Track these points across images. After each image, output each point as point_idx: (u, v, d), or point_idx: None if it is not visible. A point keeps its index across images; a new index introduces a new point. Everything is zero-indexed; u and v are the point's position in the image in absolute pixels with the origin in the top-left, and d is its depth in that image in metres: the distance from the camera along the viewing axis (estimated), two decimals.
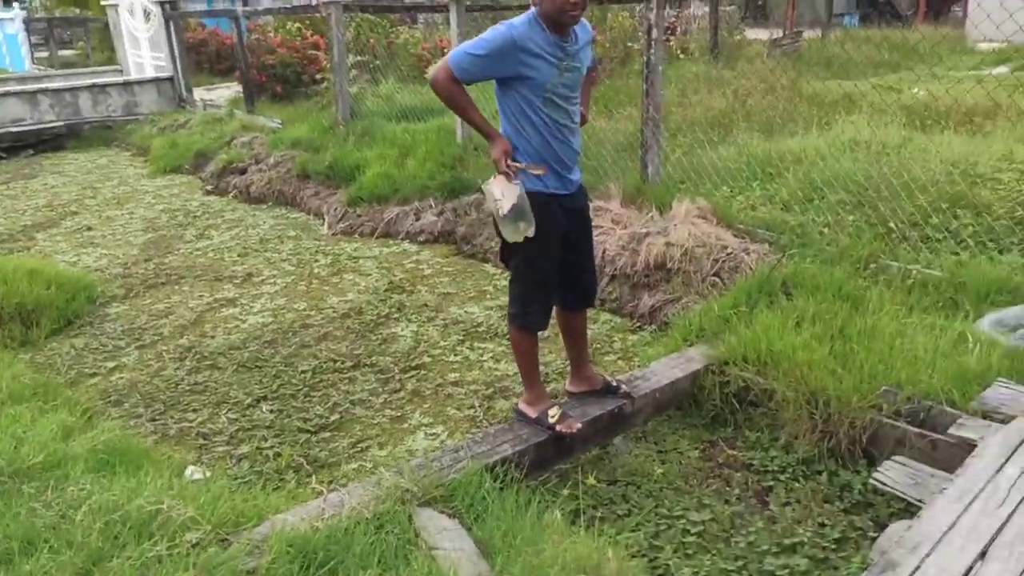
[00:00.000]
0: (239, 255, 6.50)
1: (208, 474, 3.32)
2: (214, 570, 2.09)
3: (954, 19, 20.69)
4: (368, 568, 2.18)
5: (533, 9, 2.83)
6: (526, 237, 2.89)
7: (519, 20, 2.81)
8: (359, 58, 11.04)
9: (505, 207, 2.79)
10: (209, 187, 8.89)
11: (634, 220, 5.35)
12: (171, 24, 12.69)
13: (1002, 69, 10.42)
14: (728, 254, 4.72)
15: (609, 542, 2.34)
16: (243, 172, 8.75)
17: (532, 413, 3.19)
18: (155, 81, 12.98)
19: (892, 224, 4.59)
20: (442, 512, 2.56)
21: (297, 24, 13.13)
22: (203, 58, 17.09)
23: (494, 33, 2.76)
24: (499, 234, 3.03)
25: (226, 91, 14.22)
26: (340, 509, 2.46)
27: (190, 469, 3.40)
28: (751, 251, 4.69)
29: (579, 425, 3.15)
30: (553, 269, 3.09)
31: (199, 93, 13.55)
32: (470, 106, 2.90)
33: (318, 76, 11.47)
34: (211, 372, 4.41)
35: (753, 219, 5.10)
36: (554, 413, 3.15)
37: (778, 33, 15.51)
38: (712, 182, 5.69)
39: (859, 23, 21.82)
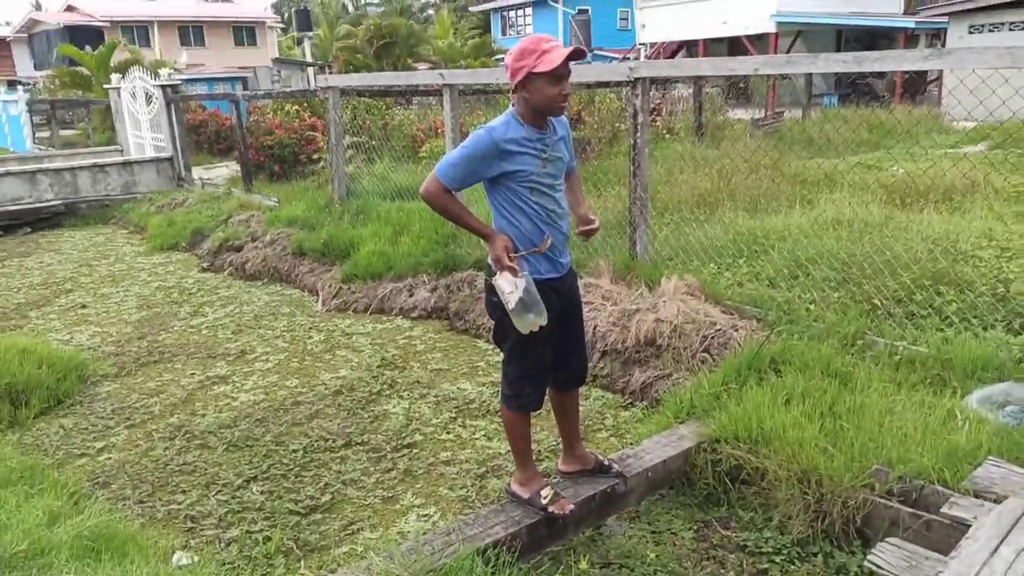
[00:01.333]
0: (233, 332, 6.52)
1: (196, 559, 3.26)
2: None
3: (930, 98, 21.43)
4: None
5: (511, 108, 2.93)
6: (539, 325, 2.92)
7: (498, 121, 2.91)
8: (355, 139, 11.33)
9: (513, 301, 2.84)
10: (205, 264, 8.97)
11: (624, 297, 5.43)
12: (172, 107, 13.03)
13: (978, 148, 10.76)
14: (717, 330, 4.78)
15: None
16: (239, 249, 8.84)
17: (524, 494, 3.17)
18: (154, 161, 13.24)
19: (877, 301, 4.67)
20: None
21: (295, 106, 13.51)
22: (203, 139, 17.51)
23: (475, 139, 2.86)
24: (492, 315, 3.08)
25: (224, 170, 14.51)
26: None
27: (177, 555, 3.34)
28: (739, 327, 4.75)
29: (572, 506, 3.14)
30: (547, 351, 3.12)
31: (198, 172, 13.82)
32: (464, 212, 2.99)
33: (315, 156, 11.76)
34: (201, 452, 4.37)
35: (740, 295, 5.18)
36: (546, 494, 3.13)
37: (760, 113, 16.02)
38: (699, 259, 5.80)
39: (838, 103, 22.56)
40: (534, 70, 2.77)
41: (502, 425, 4.55)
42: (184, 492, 3.95)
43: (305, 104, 13.60)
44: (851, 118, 12.61)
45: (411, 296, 6.92)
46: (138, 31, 38.43)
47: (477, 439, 4.42)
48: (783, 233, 5.97)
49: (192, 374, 5.60)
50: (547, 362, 3.15)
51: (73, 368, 5.42)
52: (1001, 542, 2.61)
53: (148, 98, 13.63)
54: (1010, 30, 17.40)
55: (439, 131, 11.05)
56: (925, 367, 4.00)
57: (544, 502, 3.11)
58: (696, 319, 4.88)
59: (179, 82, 14.26)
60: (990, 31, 17.91)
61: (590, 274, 5.96)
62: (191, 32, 40.52)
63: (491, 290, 2.99)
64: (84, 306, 7.53)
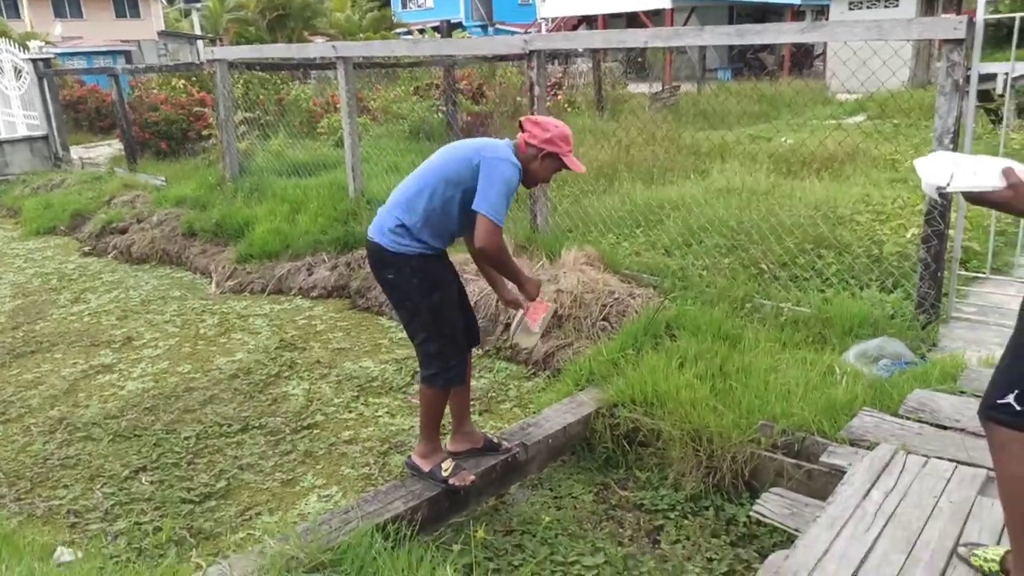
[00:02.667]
0: (118, 318, 6.19)
1: (79, 555, 3.10)
2: None
3: (816, 72, 22.41)
4: None
5: (511, 145, 3.01)
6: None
7: (508, 154, 2.94)
8: (248, 114, 10.88)
9: (542, 326, 3.25)
10: (87, 248, 8.46)
11: (526, 269, 5.45)
12: (44, 82, 12.17)
13: (858, 119, 11.34)
14: (615, 299, 4.87)
15: None
16: (124, 232, 8.38)
17: (426, 467, 3.15)
18: (27, 140, 12.34)
19: (764, 265, 4.87)
20: None
21: (183, 80, 12.84)
22: (82, 116, 16.43)
23: (507, 175, 2.89)
24: (394, 298, 3.19)
25: (107, 149, 13.69)
26: None
27: (59, 551, 3.16)
28: (637, 295, 4.86)
29: (472, 477, 3.14)
30: (459, 316, 3.18)
31: (77, 152, 12.99)
32: (510, 255, 3.12)
33: (205, 132, 11.21)
34: (84, 444, 4.14)
35: (638, 264, 5.30)
36: (447, 466, 3.13)
37: (657, 87, 16.36)
38: (598, 230, 5.89)
39: (732, 77, 23.30)
40: (561, 156, 2.98)
41: (405, 401, 4.54)
42: (66, 487, 3.74)
43: (194, 79, 12.93)
44: (743, 91, 13.04)
45: (311, 275, 6.74)
46: (5, 2, 35.61)
47: (380, 416, 4.37)
48: (677, 203, 6.13)
49: (74, 363, 5.29)
50: (461, 326, 3.18)
51: None
52: (872, 486, 2.78)
53: (18, 73, 12.66)
54: (885, 7, 18.35)
55: (337, 107, 10.76)
56: (808, 326, 4.21)
57: (445, 475, 3.10)
58: (596, 289, 4.96)
59: (52, 56, 13.32)
60: (868, 7, 18.85)
61: None
62: (66, 3, 37.81)
63: (390, 268, 3.01)
64: None
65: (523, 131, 3.02)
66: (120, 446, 4.11)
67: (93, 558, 2.98)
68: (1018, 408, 1.94)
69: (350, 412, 4.44)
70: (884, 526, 2.55)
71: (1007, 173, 1.77)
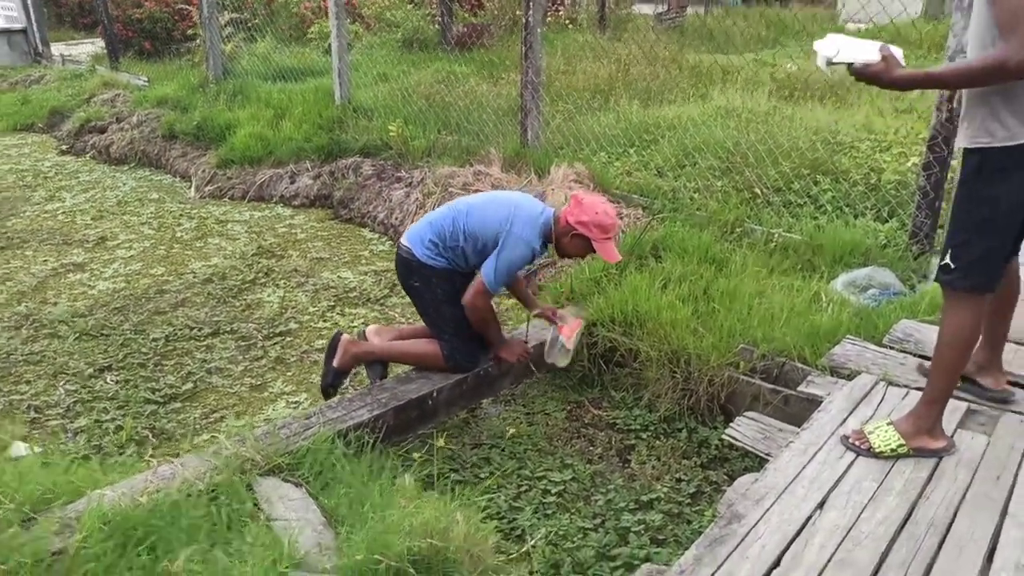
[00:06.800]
0: (93, 218, 6.01)
1: (36, 450, 3.02)
2: (12, 552, 1.87)
3: (826, 1, 21.66)
4: (194, 543, 2.01)
5: (547, 217, 3.08)
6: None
7: (535, 234, 3.02)
8: (235, 15, 10.42)
9: (575, 343, 3.25)
10: (64, 147, 8.20)
11: (512, 185, 5.27)
12: None
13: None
14: None
15: (460, 505, 2.25)
16: (103, 131, 8.12)
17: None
18: (5, 33, 11.85)
19: (758, 189, 4.71)
20: (286, 481, 2.41)
21: None
22: (64, 11, 15.80)
23: (520, 252, 3.00)
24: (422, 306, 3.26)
25: (90, 47, 13.19)
26: (171, 482, 2.27)
27: (16, 445, 3.08)
28: (625, 215, 4.71)
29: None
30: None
31: (59, 48, 12.51)
32: (496, 322, 3.28)
33: (190, 32, 10.76)
34: (50, 341, 4.04)
35: (628, 184, 5.13)
36: None
37: (663, 8, 15.76)
38: (591, 148, 5.68)
39: (741, 1, 22.50)
40: (592, 240, 2.99)
41: (382, 312, 4.44)
42: (28, 383, 3.65)
43: None
44: (751, 15, 12.54)
45: (293, 183, 6.55)
46: None
47: (356, 327, 4.26)
48: (674, 123, 5.90)
49: (45, 261, 5.14)
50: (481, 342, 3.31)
51: None
52: (850, 414, 2.70)
53: None
54: None
55: (327, 11, 10.31)
56: (798, 253, 4.08)
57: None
58: None
59: None
60: None
61: (480, 162, 5.76)
62: None
63: (416, 276, 3.14)
64: None
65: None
66: (86, 344, 4.01)
67: (51, 455, 2.91)
68: (952, 266, 2.19)
69: (325, 321, 4.34)
70: (858, 454, 2.48)
71: (882, 49, 2.08)
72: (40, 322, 4.25)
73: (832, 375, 3.03)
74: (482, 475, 2.92)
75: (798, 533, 2.13)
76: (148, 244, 5.48)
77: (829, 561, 2.02)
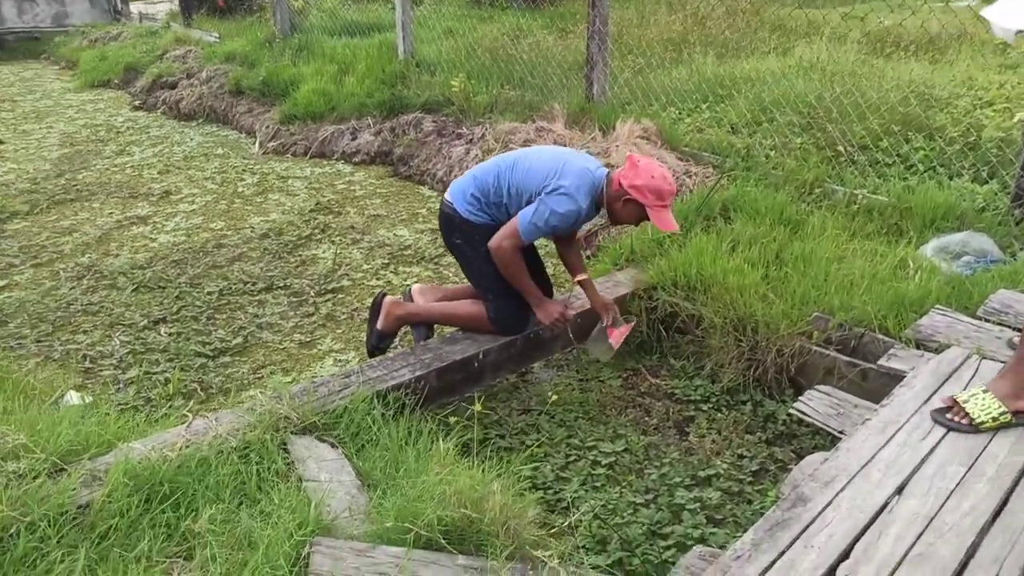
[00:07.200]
0: (160, 172, 6.07)
1: (88, 400, 3.02)
2: (38, 504, 1.82)
3: None
4: (220, 502, 1.93)
5: (602, 179, 2.84)
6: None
7: (584, 194, 2.78)
8: None
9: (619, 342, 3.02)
10: (137, 102, 8.35)
11: (576, 141, 5.04)
12: None
13: (968, 2, 10.11)
14: None
15: (499, 474, 2.11)
16: (173, 87, 8.21)
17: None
18: None
19: (841, 147, 4.35)
20: (322, 440, 2.31)
21: None
22: None
23: (566, 211, 2.76)
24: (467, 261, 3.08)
25: (167, 5, 13.43)
26: (203, 437, 2.20)
27: (69, 394, 3.10)
28: (693, 173, 4.44)
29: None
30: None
31: (137, 6, 12.77)
32: (526, 274, 2.94)
33: None
34: (108, 292, 4.07)
35: (699, 141, 4.83)
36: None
37: None
38: (660, 103, 5.39)
39: None
40: (646, 206, 2.74)
41: (436, 271, 4.32)
42: (85, 332, 3.68)
43: None
44: None
45: (354, 139, 6.47)
46: None
47: (408, 286, 4.15)
48: (752, 77, 5.53)
49: (110, 214, 5.21)
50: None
51: None
52: (936, 391, 2.43)
53: None
54: None
55: None
56: (883, 216, 3.75)
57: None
58: None
59: None
60: None
61: (543, 118, 5.54)
62: None
63: (458, 233, 2.99)
64: (1, 142, 6.97)
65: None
66: (143, 296, 4.02)
67: (102, 405, 2.91)
68: None
69: (378, 279, 4.25)
70: (944, 435, 2.22)
71: None
72: (101, 273, 4.29)
73: (917, 348, 2.75)
74: (528, 442, 2.78)
75: (871, 522, 1.90)
76: (210, 199, 5.49)
77: (906, 555, 1.79)
